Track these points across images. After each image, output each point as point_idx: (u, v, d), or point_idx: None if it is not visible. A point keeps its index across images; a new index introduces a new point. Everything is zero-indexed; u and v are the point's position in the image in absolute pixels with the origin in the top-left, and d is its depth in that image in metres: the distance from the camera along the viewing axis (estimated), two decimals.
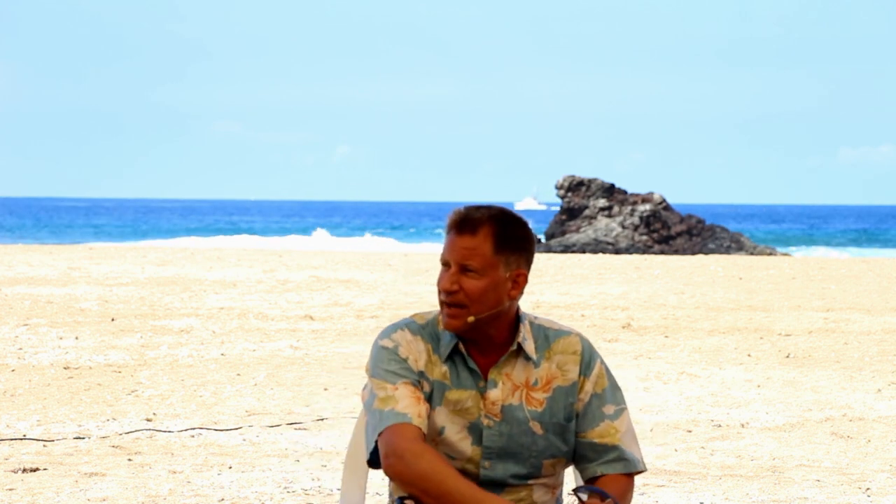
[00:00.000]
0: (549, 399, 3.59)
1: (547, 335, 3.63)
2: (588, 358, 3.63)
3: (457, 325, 3.52)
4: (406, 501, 3.56)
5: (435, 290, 3.62)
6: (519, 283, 3.54)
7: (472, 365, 3.56)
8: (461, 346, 3.56)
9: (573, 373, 3.61)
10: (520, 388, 3.58)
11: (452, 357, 3.58)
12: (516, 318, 3.60)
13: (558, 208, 49.42)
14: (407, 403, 3.48)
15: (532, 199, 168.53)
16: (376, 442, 3.50)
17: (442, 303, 3.54)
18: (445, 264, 3.53)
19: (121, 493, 6.84)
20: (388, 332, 3.60)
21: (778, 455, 8.11)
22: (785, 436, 8.75)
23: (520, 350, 3.58)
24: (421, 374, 3.55)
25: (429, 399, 3.56)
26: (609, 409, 3.62)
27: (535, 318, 3.66)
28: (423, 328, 3.61)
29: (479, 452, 3.56)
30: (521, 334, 3.58)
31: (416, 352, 3.57)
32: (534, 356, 3.58)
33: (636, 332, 15.06)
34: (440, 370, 3.57)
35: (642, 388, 10.76)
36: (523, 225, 3.54)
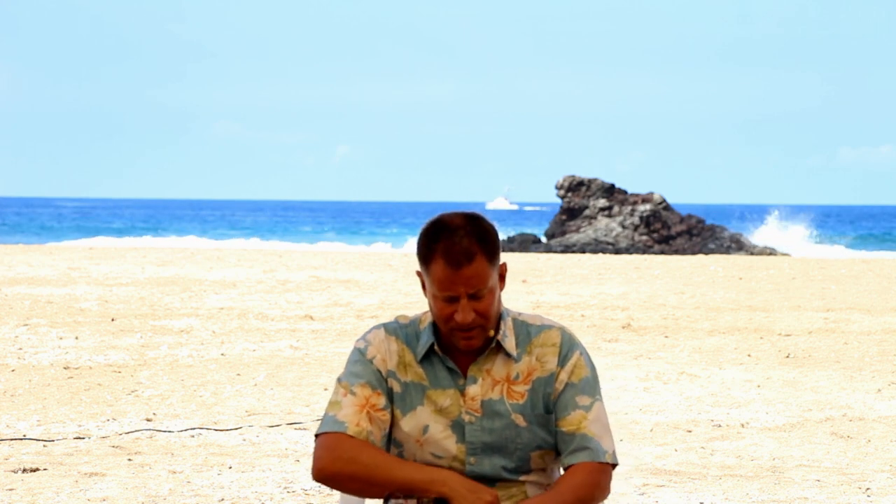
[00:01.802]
0: (529, 391, 3.61)
1: (529, 331, 3.65)
2: (567, 349, 3.64)
3: (479, 343, 3.57)
4: (391, 500, 3.58)
5: None
6: (504, 275, 3.60)
7: (450, 364, 3.60)
8: (437, 347, 3.60)
9: (551, 364, 3.63)
10: (500, 382, 3.61)
11: (430, 357, 3.61)
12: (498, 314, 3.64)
13: (530, 208, 49.61)
14: (348, 412, 3.54)
15: (503, 198, 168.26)
16: None
17: (452, 329, 3.55)
18: (452, 299, 3.51)
19: (121, 493, 6.84)
20: (365, 332, 3.68)
21: (778, 455, 8.11)
22: (785, 436, 8.76)
23: (499, 347, 3.61)
24: (391, 373, 3.60)
25: (401, 399, 3.60)
26: (583, 400, 3.62)
27: (520, 314, 3.69)
28: (403, 327, 3.65)
29: (463, 450, 3.59)
30: (502, 331, 3.61)
31: (386, 352, 3.62)
32: (513, 352, 3.61)
33: (636, 332, 15.06)
34: (416, 371, 3.61)
35: (642, 388, 10.76)
36: (491, 224, 3.58)
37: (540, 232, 53.48)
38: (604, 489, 3.58)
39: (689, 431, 8.89)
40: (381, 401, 3.57)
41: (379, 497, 3.52)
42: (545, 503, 3.51)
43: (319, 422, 3.64)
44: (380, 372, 3.59)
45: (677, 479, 7.41)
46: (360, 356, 3.61)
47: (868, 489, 7.21)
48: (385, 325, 3.66)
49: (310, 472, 7.38)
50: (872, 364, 12.43)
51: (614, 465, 3.62)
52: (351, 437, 3.51)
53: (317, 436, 3.56)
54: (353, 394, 3.56)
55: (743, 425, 9.13)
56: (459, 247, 3.48)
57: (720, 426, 9.09)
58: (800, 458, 8.01)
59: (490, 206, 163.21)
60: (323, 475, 3.51)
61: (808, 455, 8.12)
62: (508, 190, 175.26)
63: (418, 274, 3.60)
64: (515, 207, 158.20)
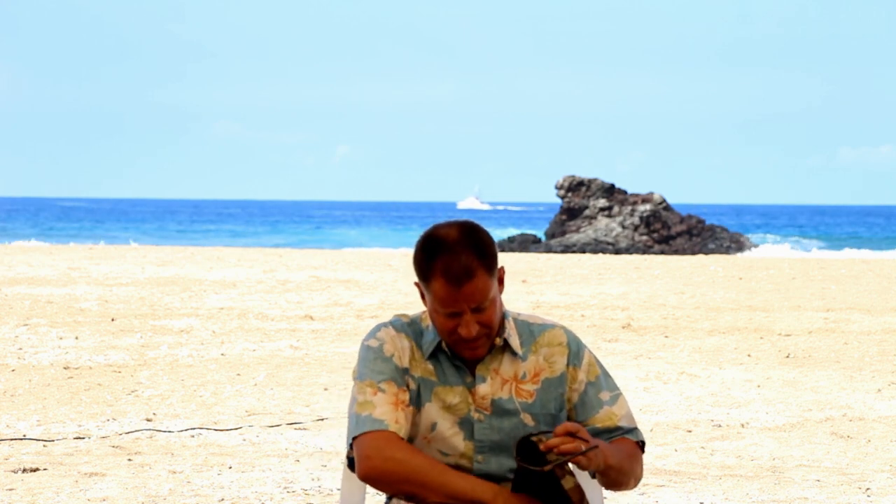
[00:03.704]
0: (538, 391, 3.63)
1: (531, 330, 3.67)
2: (576, 348, 3.68)
3: (484, 352, 3.59)
4: (393, 500, 3.58)
5: None
6: (502, 278, 3.60)
7: (458, 362, 3.60)
8: (444, 344, 3.60)
9: (560, 364, 3.65)
10: (508, 381, 3.62)
11: (436, 354, 3.61)
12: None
13: (499, 208, 49.70)
14: (384, 410, 3.52)
15: (474, 198, 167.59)
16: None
17: (457, 341, 3.55)
18: (455, 314, 3.51)
19: (121, 493, 6.84)
20: (373, 331, 3.65)
21: (778, 455, 8.11)
22: (785, 436, 8.76)
23: (506, 346, 3.62)
24: (405, 370, 3.59)
25: (416, 396, 3.60)
26: (605, 396, 3.67)
27: (519, 314, 3.71)
28: (407, 325, 3.65)
29: (471, 447, 3.60)
30: (507, 330, 3.62)
31: (401, 349, 3.60)
32: (519, 351, 3.63)
33: (636, 332, 15.06)
34: (425, 367, 3.61)
35: (642, 388, 10.76)
36: (486, 233, 3.56)
37: (504, 234, 53.60)
38: (642, 470, 3.68)
39: (689, 431, 8.89)
40: (407, 397, 3.57)
41: (423, 501, 3.49)
42: (609, 449, 3.52)
43: (352, 424, 3.57)
44: (398, 368, 3.58)
45: (677, 479, 7.41)
46: (378, 353, 3.59)
47: (868, 489, 7.21)
48: (392, 323, 3.65)
49: (311, 472, 7.40)
50: (872, 364, 12.43)
51: (644, 451, 3.71)
52: (396, 435, 3.49)
53: (355, 437, 3.51)
54: (383, 391, 3.54)
55: (743, 425, 9.13)
56: (458, 264, 3.47)
57: (720, 426, 9.09)
58: (800, 458, 8.01)
59: (461, 205, 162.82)
60: (374, 474, 3.47)
61: (808, 455, 8.12)
62: (479, 189, 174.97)
63: (417, 285, 3.58)
64: (487, 207, 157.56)
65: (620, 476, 3.58)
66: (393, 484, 3.46)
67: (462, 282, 3.47)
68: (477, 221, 3.62)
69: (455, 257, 3.47)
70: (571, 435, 3.39)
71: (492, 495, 3.44)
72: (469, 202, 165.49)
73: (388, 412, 3.51)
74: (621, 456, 3.57)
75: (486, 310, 3.51)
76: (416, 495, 3.47)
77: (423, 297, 3.58)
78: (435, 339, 3.60)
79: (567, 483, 3.41)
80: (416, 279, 3.58)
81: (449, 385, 3.60)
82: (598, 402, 3.65)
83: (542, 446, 3.38)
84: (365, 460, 3.48)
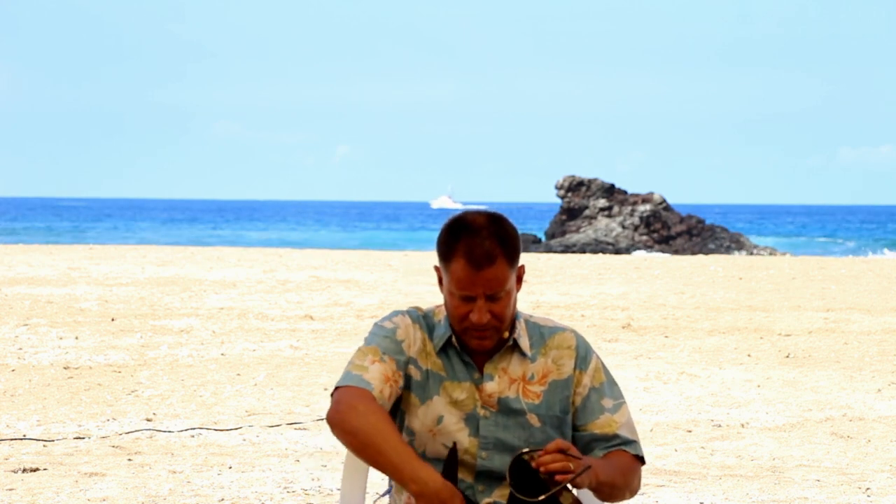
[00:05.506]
0: (545, 392, 3.65)
1: (542, 332, 3.69)
2: (584, 353, 3.69)
3: (491, 344, 3.59)
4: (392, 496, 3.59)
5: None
6: (521, 276, 3.62)
7: (466, 358, 3.62)
8: (454, 339, 3.62)
9: (568, 367, 3.67)
10: (516, 381, 3.63)
11: (446, 349, 3.63)
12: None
13: (478, 208, 49.68)
14: (375, 376, 3.53)
15: (447, 197, 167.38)
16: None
17: (466, 328, 3.56)
18: (469, 298, 3.53)
19: (121, 493, 6.84)
20: (389, 315, 3.67)
21: (778, 455, 8.11)
22: (785, 436, 8.76)
23: (515, 346, 3.63)
24: (412, 360, 3.61)
25: (420, 388, 3.61)
26: (608, 403, 3.68)
27: (531, 316, 3.72)
28: (422, 317, 3.67)
29: (475, 443, 3.61)
30: (517, 331, 3.63)
31: (412, 338, 3.63)
32: (528, 352, 3.64)
33: (636, 332, 15.06)
34: (435, 361, 3.63)
35: (642, 388, 10.76)
36: (513, 226, 3.59)
37: None
38: (639, 483, 3.67)
39: (689, 431, 8.89)
40: (401, 381, 3.59)
41: (366, 463, 3.47)
42: (600, 466, 3.51)
43: (341, 377, 3.58)
44: (404, 355, 3.60)
45: (677, 479, 7.41)
46: (389, 334, 3.61)
47: (868, 489, 7.21)
48: (409, 312, 3.67)
49: (311, 472, 7.40)
50: (872, 364, 12.43)
51: (643, 464, 3.70)
52: (374, 396, 3.49)
53: (338, 387, 3.52)
54: (383, 362, 3.55)
55: (743, 425, 9.13)
56: (481, 248, 3.50)
57: (720, 426, 9.09)
58: (800, 458, 8.01)
59: (435, 204, 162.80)
60: (335, 419, 3.44)
61: (808, 455, 8.12)
62: (452, 189, 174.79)
63: (436, 269, 3.61)
64: (460, 206, 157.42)
65: (613, 490, 3.57)
66: (346, 433, 3.43)
67: (482, 265, 3.50)
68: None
69: (479, 241, 3.50)
70: (562, 452, 3.38)
71: (418, 487, 3.38)
72: (442, 201, 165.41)
73: (378, 380, 3.52)
74: (613, 471, 3.56)
75: (500, 300, 3.53)
76: (358, 452, 3.44)
77: (440, 281, 3.60)
78: (446, 333, 3.62)
79: (565, 500, 3.41)
80: (436, 263, 3.60)
81: (457, 380, 3.61)
82: (600, 408, 3.66)
83: (533, 464, 3.37)
84: (334, 405, 3.48)
